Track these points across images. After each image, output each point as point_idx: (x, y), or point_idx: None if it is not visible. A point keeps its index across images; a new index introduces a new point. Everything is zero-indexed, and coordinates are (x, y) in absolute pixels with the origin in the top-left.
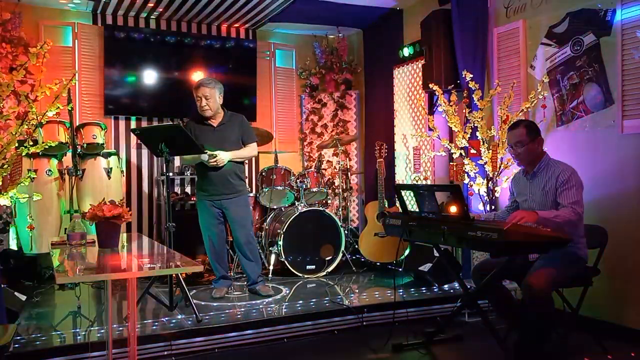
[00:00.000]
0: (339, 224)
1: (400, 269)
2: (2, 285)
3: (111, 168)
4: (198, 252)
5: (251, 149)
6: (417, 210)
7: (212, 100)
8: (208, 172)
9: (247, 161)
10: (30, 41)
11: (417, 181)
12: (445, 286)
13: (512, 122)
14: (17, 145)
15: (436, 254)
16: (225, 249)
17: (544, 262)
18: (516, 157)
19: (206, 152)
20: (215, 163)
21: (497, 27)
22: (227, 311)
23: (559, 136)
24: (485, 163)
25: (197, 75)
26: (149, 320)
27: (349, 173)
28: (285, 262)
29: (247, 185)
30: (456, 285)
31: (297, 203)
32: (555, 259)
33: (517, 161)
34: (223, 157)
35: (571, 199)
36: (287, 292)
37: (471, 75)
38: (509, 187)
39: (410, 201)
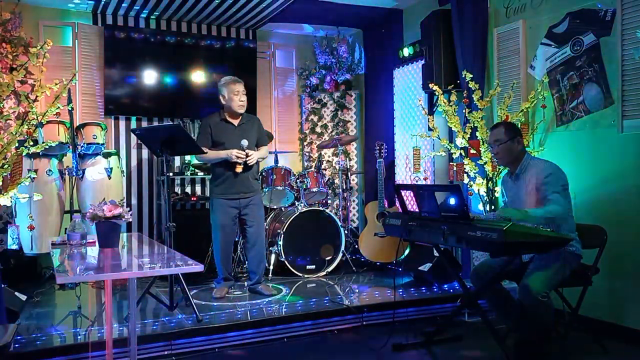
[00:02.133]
0: (339, 224)
1: (400, 269)
2: (2, 285)
3: (111, 168)
4: (198, 252)
5: (265, 151)
6: (417, 210)
7: (245, 97)
8: (229, 172)
9: None
10: (30, 41)
11: (417, 181)
12: (445, 286)
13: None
14: (17, 145)
15: (436, 254)
16: (232, 249)
17: (539, 263)
18: (495, 155)
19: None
20: (250, 161)
21: (497, 27)
22: (227, 311)
23: (559, 136)
24: (485, 163)
25: (197, 76)
26: (149, 320)
27: (349, 173)
28: (285, 262)
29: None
30: (456, 285)
31: (297, 203)
32: (549, 259)
33: (497, 160)
34: (256, 156)
35: (557, 196)
36: (287, 292)
37: (471, 75)
38: (500, 188)
39: (410, 201)
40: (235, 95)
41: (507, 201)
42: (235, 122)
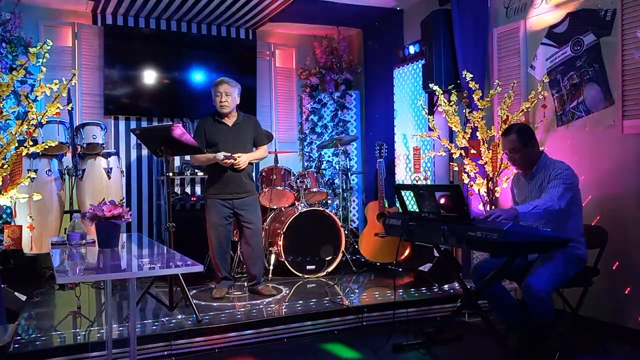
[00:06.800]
0: (339, 224)
1: (400, 269)
2: (2, 285)
3: (111, 168)
4: (198, 252)
5: (264, 151)
6: (417, 210)
7: (231, 97)
8: (223, 172)
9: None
10: (30, 41)
11: (417, 181)
12: (445, 286)
13: (504, 128)
14: (17, 145)
15: (436, 254)
16: (229, 249)
17: (543, 263)
18: (512, 162)
19: (221, 152)
20: (238, 165)
21: (497, 27)
22: (227, 311)
23: (559, 136)
24: (485, 163)
25: (197, 75)
26: (149, 320)
27: (349, 173)
28: (285, 262)
29: (255, 185)
30: (456, 285)
31: (297, 203)
32: (555, 259)
33: (514, 166)
34: (244, 159)
35: (554, 190)
36: (287, 292)
37: (471, 75)
38: (509, 187)
39: (410, 201)
40: (216, 97)
41: (518, 202)
42: (230, 122)
